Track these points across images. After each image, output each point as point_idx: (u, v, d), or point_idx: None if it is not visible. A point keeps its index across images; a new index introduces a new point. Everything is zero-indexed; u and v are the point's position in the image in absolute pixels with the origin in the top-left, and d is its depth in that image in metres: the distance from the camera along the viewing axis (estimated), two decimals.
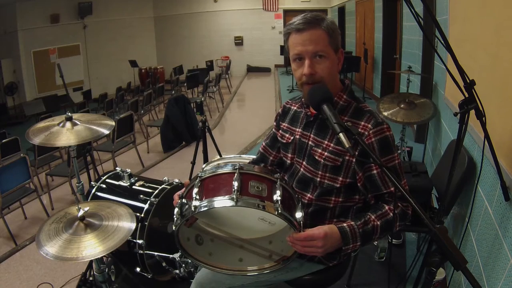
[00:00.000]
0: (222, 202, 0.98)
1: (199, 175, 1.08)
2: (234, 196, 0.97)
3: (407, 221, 1.19)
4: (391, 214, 1.13)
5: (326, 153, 1.21)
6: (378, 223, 1.12)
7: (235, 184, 0.99)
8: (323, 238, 1.04)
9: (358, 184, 1.21)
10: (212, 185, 1.05)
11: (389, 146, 1.16)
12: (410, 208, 1.17)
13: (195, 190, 1.03)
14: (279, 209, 0.98)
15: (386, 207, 1.15)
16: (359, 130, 1.16)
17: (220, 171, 1.06)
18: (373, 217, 1.13)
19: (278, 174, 1.07)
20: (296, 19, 1.15)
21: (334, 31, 1.16)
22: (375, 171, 1.15)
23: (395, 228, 1.16)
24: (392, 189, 1.16)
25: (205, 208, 1.00)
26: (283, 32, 1.23)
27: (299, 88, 1.28)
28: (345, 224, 1.10)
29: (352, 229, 1.09)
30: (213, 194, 1.02)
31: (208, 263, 1.17)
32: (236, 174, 1.01)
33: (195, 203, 1.00)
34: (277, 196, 1.01)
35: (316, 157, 1.23)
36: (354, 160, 1.17)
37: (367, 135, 1.15)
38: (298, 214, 1.05)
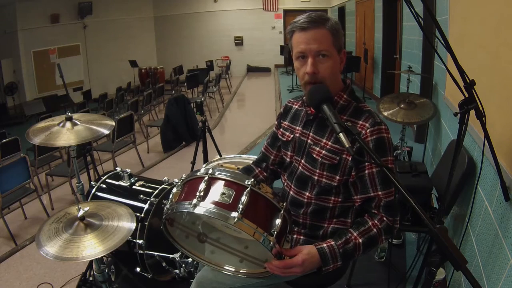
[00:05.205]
0: (182, 207, 0.99)
1: (183, 177, 1.09)
2: (194, 202, 0.96)
3: (393, 235, 1.16)
4: (375, 230, 1.12)
5: (323, 152, 1.20)
6: (360, 240, 1.10)
7: (200, 189, 0.97)
8: (301, 265, 1.04)
9: (349, 181, 1.19)
10: (186, 189, 1.06)
11: (384, 147, 1.14)
12: (397, 222, 1.16)
13: (174, 190, 1.07)
14: (235, 218, 0.91)
15: (370, 223, 1.13)
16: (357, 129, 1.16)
17: (198, 175, 1.04)
18: (355, 234, 1.11)
19: (252, 180, 0.98)
20: (301, 18, 1.15)
21: (338, 32, 1.16)
22: (367, 171, 1.14)
23: (380, 242, 1.14)
24: (380, 193, 1.14)
25: (169, 211, 1.03)
26: (287, 30, 1.22)
27: (300, 88, 1.28)
28: (324, 245, 1.09)
29: (332, 249, 1.08)
30: (182, 198, 1.03)
31: (185, 248, 1.16)
32: (203, 180, 0.99)
33: (167, 205, 1.04)
34: (241, 203, 0.94)
35: (314, 155, 1.23)
36: (350, 158, 1.16)
37: (364, 134, 1.14)
38: (274, 224, 0.97)
